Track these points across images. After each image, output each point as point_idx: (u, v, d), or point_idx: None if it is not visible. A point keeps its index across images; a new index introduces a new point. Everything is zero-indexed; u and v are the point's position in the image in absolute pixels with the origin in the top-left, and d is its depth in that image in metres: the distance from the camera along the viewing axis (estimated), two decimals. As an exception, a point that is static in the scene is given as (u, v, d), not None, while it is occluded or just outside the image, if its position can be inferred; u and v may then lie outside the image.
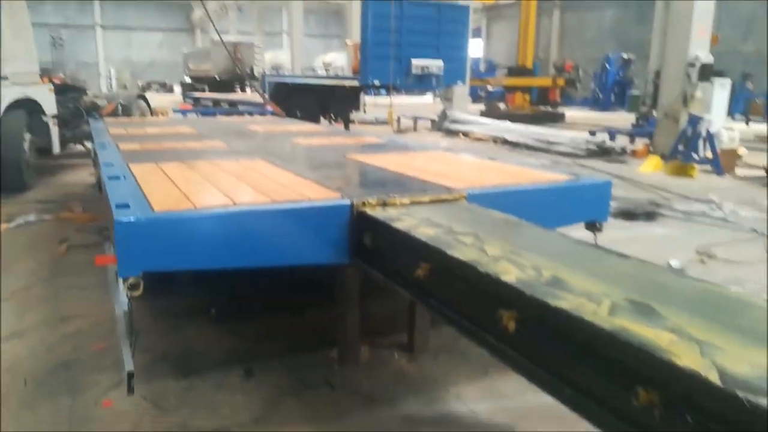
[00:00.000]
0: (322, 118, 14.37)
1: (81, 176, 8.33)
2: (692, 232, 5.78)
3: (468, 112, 16.90)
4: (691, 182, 8.44)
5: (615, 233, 5.67)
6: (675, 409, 1.16)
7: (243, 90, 21.92)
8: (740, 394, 1.02)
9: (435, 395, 2.74)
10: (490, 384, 2.82)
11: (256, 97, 14.89)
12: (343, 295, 2.90)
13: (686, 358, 1.15)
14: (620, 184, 8.22)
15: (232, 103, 15.63)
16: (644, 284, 1.66)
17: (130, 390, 2.19)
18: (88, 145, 8.17)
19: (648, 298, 1.48)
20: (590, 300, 1.47)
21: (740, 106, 19.28)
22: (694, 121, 9.49)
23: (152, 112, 12.37)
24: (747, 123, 18.15)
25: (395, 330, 3.27)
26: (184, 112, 13.12)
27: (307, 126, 7.44)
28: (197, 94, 19.07)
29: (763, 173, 8.75)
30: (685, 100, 10.34)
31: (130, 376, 2.19)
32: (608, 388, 1.33)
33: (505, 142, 13.30)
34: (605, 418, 1.35)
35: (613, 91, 24.22)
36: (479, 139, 14.34)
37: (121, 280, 2.15)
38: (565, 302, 1.46)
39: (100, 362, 2.95)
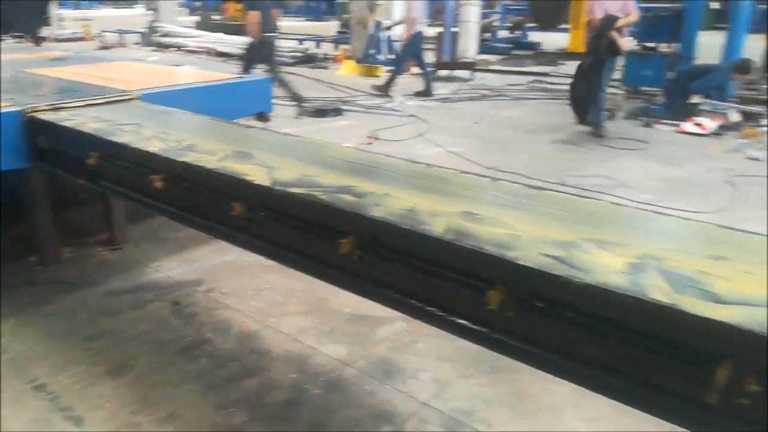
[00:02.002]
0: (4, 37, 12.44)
1: None
2: (369, 121, 6.95)
3: (180, 24, 16.24)
4: (377, 81, 9.79)
5: (308, 127, 6.55)
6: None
7: None
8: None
9: (137, 272, 3.19)
10: (186, 254, 3.37)
11: None
12: (32, 199, 3.09)
13: (256, 177, 1.80)
14: (318, 86, 9.17)
15: None
16: (250, 142, 2.31)
17: None
18: None
19: (248, 148, 2.12)
20: (210, 155, 2.05)
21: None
22: (378, 26, 10.81)
23: None
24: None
25: (99, 232, 3.57)
26: None
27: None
28: None
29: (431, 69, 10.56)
30: (372, 7, 11.62)
31: None
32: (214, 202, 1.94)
33: (219, 53, 13.33)
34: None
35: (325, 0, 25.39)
36: (193, 52, 14.07)
37: None
38: (190, 157, 2.02)
39: None
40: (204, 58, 12.88)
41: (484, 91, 9.24)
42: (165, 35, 15.21)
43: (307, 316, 2.77)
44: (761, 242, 1.40)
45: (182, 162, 2.00)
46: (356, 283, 1.63)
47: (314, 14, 26.68)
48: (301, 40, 13.33)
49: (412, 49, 8.87)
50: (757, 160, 5.51)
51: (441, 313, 1.48)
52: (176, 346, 2.52)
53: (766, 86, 7.95)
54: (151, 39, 15.24)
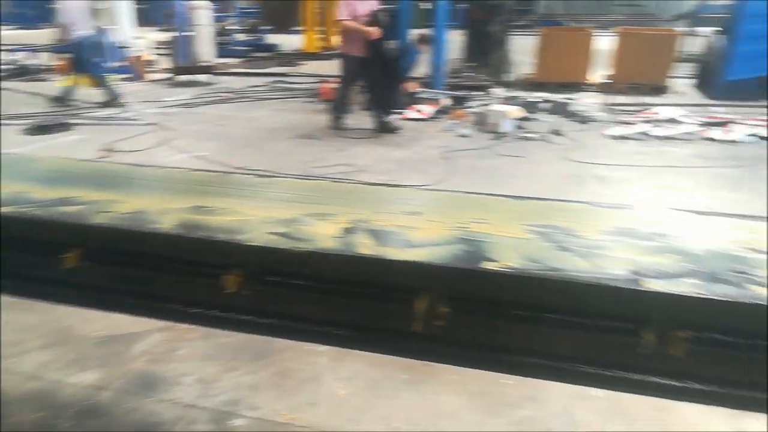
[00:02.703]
0: None
1: None
2: (103, 133, 6.42)
3: None
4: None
5: (30, 147, 5.81)
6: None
7: None
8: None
9: None
10: None
11: None
12: None
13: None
14: (37, 101, 8.15)
15: None
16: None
17: None
18: None
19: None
20: None
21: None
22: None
23: None
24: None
25: None
26: None
27: None
28: None
29: (169, 75, 10.13)
30: (95, 12, 10.61)
31: None
32: None
33: None
34: None
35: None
36: None
37: None
38: None
39: None
40: None
41: (227, 94, 9.18)
42: None
43: (48, 349, 2.51)
44: (450, 197, 1.72)
45: None
46: (87, 296, 1.56)
47: (26, 21, 23.35)
48: (13, 50, 11.64)
49: (78, 56, 8.06)
50: (465, 136, 6.48)
51: (184, 308, 1.51)
52: None
53: (470, 74, 9.34)
54: None
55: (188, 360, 2.44)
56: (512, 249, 1.31)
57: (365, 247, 1.31)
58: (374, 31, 6.20)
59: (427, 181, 4.79)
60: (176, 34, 10.83)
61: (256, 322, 1.45)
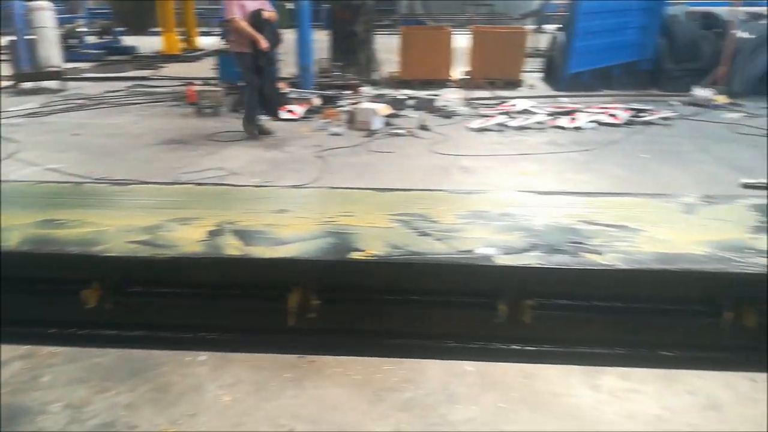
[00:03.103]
0: None
1: None
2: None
3: None
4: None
5: None
6: None
7: None
8: None
9: None
10: None
11: None
12: None
13: None
14: None
15: None
16: None
17: None
18: None
19: None
20: None
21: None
22: None
23: None
24: None
25: None
26: None
27: None
28: None
29: (11, 83, 9.21)
30: None
31: None
32: None
33: None
34: None
35: None
36: None
37: None
38: None
39: None
40: None
41: (81, 101, 8.54)
42: None
43: None
44: (318, 192, 1.76)
45: None
46: None
47: None
48: None
49: None
50: (338, 135, 6.56)
51: (41, 330, 1.41)
52: None
53: (338, 73, 9.43)
54: None
55: (54, 386, 2.27)
56: (377, 238, 1.37)
57: (232, 248, 1.31)
58: (264, 42, 6.09)
59: (302, 180, 4.80)
60: (15, 37, 9.88)
61: (122, 336, 1.39)
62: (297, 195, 1.74)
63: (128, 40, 15.95)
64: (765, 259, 1.28)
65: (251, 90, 6.40)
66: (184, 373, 2.29)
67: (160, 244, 1.34)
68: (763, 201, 1.72)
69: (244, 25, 6.02)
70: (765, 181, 3.10)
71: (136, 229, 1.42)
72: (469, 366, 2.40)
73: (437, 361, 2.32)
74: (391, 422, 2.09)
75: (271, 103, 6.68)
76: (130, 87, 9.75)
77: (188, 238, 1.37)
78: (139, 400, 2.19)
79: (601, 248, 1.32)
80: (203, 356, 2.38)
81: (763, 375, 2.46)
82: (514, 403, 2.24)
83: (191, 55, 14.70)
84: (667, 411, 2.21)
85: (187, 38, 15.64)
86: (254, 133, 6.48)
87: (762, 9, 11.36)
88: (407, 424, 2.08)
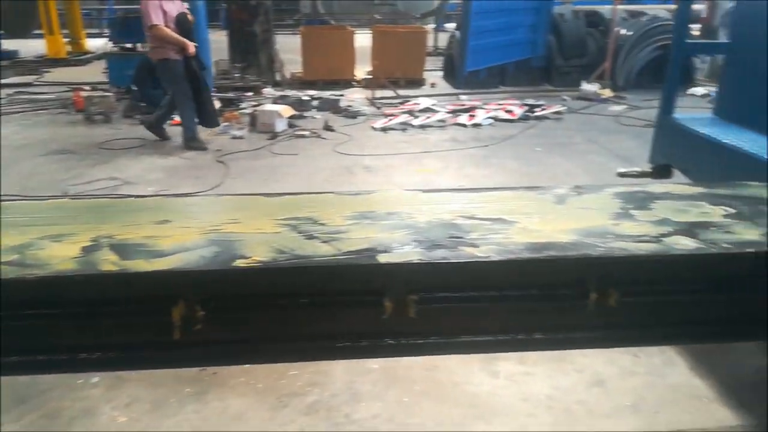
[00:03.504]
0: None
1: None
2: None
3: None
4: None
5: None
6: None
7: None
8: None
9: None
10: None
11: None
12: None
13: None
14: None
15: None
16: None
17: None
18: None
19: None
20: None
21: None
22: None
23: None
24: None
25: None
26: None
27: None
28: None
29: None
30: None
31: None
32: None
33: None
34: None
35: None
36: None
37: None
38: None
39: None
40: None
41: (-48, 111, 7.82)
42: None
43: None
44: (204, 201, 1.73)
45: None
46: None
47: None
48: None
49: None
50: (240, 138, 6.43)
51: None
52: None
53: (238, 75, 9.22)
54: None
55: (-77, 426, 2.09)
56: (263, 244, 1.37)
57: (109, 263, 1.27)
58: (191, 46, 5.78)
59: (202, 187, 4.66)
60: None
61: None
62: (182, 204, 1.71)
63: (8, 44, 14.80)
64: (625, 243, 1.40)
65: (184, 100, 5.92)
66: (75, 397, 2.17)
67: (30, 263, 1.26)
68: (628, 189, 1.88)
69: (169, 31, 5.65)
70: (638, 169, 3.37)
71: (4, 249, 1.34)
72: (374, 363, 2.44)
73: (342, 361, 2.34)
74: (294, 427, 2.08)
75: (210, 112, 6.23)
76: (10, 95, 9.05)
77: (61, 255, 1.31)
78: (27, 429, 2.06)
79: (478, 241, 1.39)
80: (96, 377, 2.26)
81: (645, 349, 2.68)
82: (418, 396, 2.30)
83: (79, 58, 13.86)
84: (558, 390, 2.35)
85: (74, 41, 14.74)
86: (203, 146, 6.03)
87: (641, 7, 12.34)
88: (311, 426, 2.08)
